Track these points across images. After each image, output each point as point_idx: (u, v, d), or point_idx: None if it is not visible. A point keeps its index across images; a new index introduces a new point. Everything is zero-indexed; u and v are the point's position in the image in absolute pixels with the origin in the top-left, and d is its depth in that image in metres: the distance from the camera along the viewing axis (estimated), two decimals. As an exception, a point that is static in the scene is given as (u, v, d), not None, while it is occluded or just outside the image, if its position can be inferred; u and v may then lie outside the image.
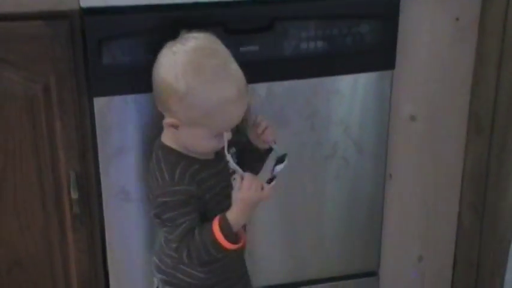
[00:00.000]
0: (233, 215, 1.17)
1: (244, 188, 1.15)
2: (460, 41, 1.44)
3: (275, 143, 1.25)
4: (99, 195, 1.36)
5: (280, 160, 1.21)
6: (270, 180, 1.18)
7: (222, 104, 1.13)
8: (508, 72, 1.41)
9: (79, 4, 1.22)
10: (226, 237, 1.16)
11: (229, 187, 1.21)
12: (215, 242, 1.16)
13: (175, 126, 1.17)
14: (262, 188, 1.16)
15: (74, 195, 1.31)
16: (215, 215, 1.19)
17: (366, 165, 1.48)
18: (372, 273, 1.58)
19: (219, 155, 1.23)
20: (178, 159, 1.19)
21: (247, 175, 1.16)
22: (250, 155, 1.27)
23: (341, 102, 1.42)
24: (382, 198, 1.52)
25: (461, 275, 1.63)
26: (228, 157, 1.17)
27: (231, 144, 1.23)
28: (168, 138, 1.21)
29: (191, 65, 1.13)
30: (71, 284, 1.41)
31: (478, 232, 1.56)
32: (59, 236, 1.36)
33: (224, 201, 1.21)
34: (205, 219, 1.20)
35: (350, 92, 1.42)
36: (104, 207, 1.36)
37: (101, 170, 1.33)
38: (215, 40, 1.17)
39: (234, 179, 1.21)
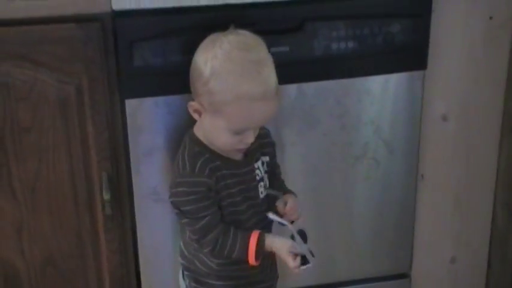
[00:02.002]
0: (268, 242, 1.21)
1: (286, 247, 1.21)
2: (493, 40, 1.42)
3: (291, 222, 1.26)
4: (131, 195, 1.37)
5: (303, 236, 1.25)
6: (303, 262, 1.23)
7: (242, 99, 1.13)
8: (543, 71, 1.39)
9: (111, 7, 1.23)
10: (257, 253, 1.20)
11: (248, 191, 1.22)
12: (244, 251, 1.20)
13: (198, 113, 1.19)
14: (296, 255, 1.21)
15: (106, 196, 1.33)
16: (226, 215, 1.22)
17: (397, 166, 1.47)
18: (404, 275, 1.56)
19: (248, 159, 1.23)
20: (203, 151, 1.21)
21: (297, 237, 1.22)
22: (273, 177, 1.31)
23: (372, 103, 1.41)
24: (414, 199, 1.51)
25: (495, 277, 1.61)
26: (272, 216, 1.24)
27: (263, 149, 1.25)
28: (198, 129, 1.23)
29: (223, 53, 1.14)
30: (103, 284, 1.42)
31: (512, 233, 1.54)
32: (91, 236, 1.38)
33: (239, 204, 1.22)
34: (225, 216, 1.22)
35: (381, 92, 1.41)
36: (136, 208, 1.37)
37: (132, 171, 1.34)
38: (259, 41, 1.18)
39: (261, 186, 1.24)
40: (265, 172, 1.27)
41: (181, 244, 1.32)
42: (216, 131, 1.18)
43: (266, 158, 1.27)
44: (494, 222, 1.58)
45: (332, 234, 1.49)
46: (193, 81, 1.17)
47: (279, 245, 1.21)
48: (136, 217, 1.38)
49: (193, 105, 1.19)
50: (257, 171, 1.24)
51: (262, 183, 1.25)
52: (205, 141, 1.21)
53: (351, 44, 1.33)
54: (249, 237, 1.20)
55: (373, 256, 1.52)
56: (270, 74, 1.15)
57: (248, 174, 1.23)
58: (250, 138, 1.18)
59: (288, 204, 1.25)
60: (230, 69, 1.13)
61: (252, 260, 1.20)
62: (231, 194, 1.22)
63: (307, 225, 1.48)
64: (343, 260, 1.51)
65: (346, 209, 1.48)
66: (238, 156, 1.23)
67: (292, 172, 1.40)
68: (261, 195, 1.26)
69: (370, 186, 1.47)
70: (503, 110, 1.49)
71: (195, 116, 1.20)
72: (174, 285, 1.40)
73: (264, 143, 1.27)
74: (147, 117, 1.31)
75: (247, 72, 1.13)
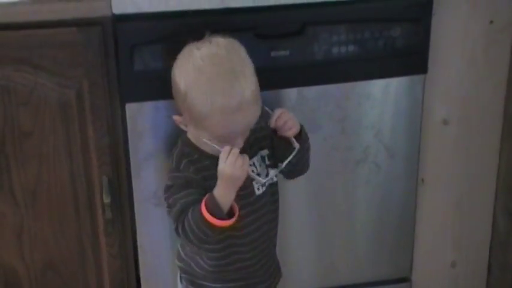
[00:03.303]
0: (219, 191, 1.17)
1: (228, 162, 1.15)
2: (494, 44, 1.42)
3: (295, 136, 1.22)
4: (131, 200, 1.37)
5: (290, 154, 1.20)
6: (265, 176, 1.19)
7: (217, 113, 1.13)
8: (544, 75, 1.39)
9: (111, 11, 1.23)
10: (212, 214, 1.15)
11: (242, 190, 1.21)
12: (203, 219, 1.16)
13: (184, 124, 1.20)
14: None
15: (106, 199, 1.33)
16: None
17: (397, 170, 1.47)
18: (404, 279, 1.56)
19: None
20: (192, 152, 1.22)
21: (234, 150, 1.16)
22: (279, 143, 1.25)
23: (372, 107, 1.41)
24: (414, 203, 1.51)
25: (496, 281, 1.61)
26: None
27: (259, 144, 1.23)
28: (190, 131, 1.24)
29: (195, 69, 1.15)
30: (103, 288, 1.43)
31: (513, 237, 1.54)
32: (92, 240, 1.38)
33: (237, 202, 1.20)
34: None
35: (381, 96, 1.41)
36: (136, 212, 1.37)
37: (132, 175, 1.34)
38: (234, 48, 1.17)
39: (257, 182, 1.22)
40: (268, 166, 1.26)
41: (179, 246, 1.32)
42: (201, 140, 1.19)
43: (265, 152, 1.26)
44: (494, 226, 1.58)
45: (333, 238, 1.49)
46: (174, 95, 1.19)
47: (221, 169, 1.15)
48: (137, 221, 1.38)
49: (177, 119, 1.21)
50: (252, 168, 1.23)
51: (255, 181, 1.24)
52: (196, 143, 1.22)
53: (351, 48, 1.33)
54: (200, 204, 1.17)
55: (374, 260, 1.52)
56: (245, 83, 1.14)
57: None
58: (238, 143, 1.18)
59: (275, 113, 1.21)
60: (202, 86, 1.14)
61: (212, 220, 1.15)
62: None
63: (306, 230, 1.48)
64: (344, 264, 1.51)
65: (346, 213, 1.48)
66: None
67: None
68: (258, 192, 1.24)
69: (371, 191, 1.47)
70: (503, 114, 1.49)
71: (182, 126, 1.22)
72: (175, 289, 1.40)
73: (260, 137, 1.26)
74: (147, 121, 1.31)
75: (219, 87, 1.13)
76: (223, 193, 1.16)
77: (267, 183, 1.25)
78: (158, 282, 1.43)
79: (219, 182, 1.17)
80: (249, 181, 1.23)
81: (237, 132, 1.17)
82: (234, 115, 1.14)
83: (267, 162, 1.27)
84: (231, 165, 1.14)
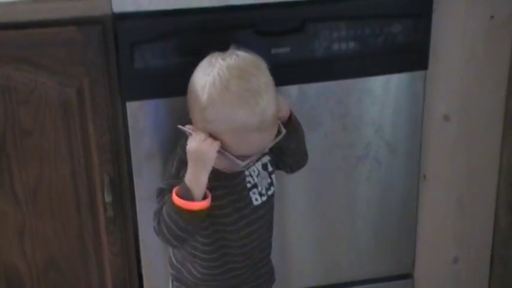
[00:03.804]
0: (188, 173, 1.13)
1: (196, 139, 1.12)
2: (494, 40, 1.42)
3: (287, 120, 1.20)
4: (133, 198, 1.37)
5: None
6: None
7: (238, 129, 1.11)
8: (545, 70, 1.39)
9: (111, 9, 1.23)
10: (182, 196, 1.12)
11: (239, 201, 1.20)
12: (173, 205, 1.13)
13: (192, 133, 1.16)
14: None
15: (108, 198, 1.33)
16: (220, 224, 1.20)
17: (399, 166, 1.47)
18: (406, 276, 1.56)
19: (238, 171, 1.20)
20: None
21: (198, 130, 1.13)
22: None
23: (373, 103, 1.41)
24: (416, 200, 1.51)
25: (498, 276, 1.61)
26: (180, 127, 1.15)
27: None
28: None
29: (221, 81, 1.11)
30: (105, 286, 1.42)
31: (514, 233, 1.54)
32: (93, 238, 1.38)
33: (227, 215, 1.20)
34: (211, 225, 1.20)
35: (382, 92, 1.40)
36: (137, 210, 1.37)
37: (134, 173, 1.34)
38: (259, 66, 1.14)
39: (254, 193, 1.21)
40: (271, 173, 1.25)
41: (170, 253, 1.30)
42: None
43: (266, 158, 1.24)
44: (496, 222, 1.57)
45: (334, 235, 1.49)
46: (191, 103, 1.15)
47: (188, 147, 1.12)
48: (138, 219, 1.38)
49: (183, 129, 1.16)
50: (248, 179, 1.21)
51: (256, 190, 1.22)
52: None
53: (352, 45, 1.33)
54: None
55: (376, 256, 1.52)
56: (269, 103, 1.11)
57: (238, 185, 1.21)
58: (252, 159, 1.15)
59: None
60: (227, 100, 1.10)
61: (182, 203, 1.11)
62: (219, 205, 1.19)
63: (308, 227, 1.48)
64: (346, 260, 1.51)
65: (348, 209, 1.48)
66: (227, 169, 1.19)
67: (294, 173, 1.40)
68: (256, 202, 1.22)
69: (372, 187, 1.47)
70: (504, 110, 1.49)
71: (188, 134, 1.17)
72: (177, 287, 1.40)
73: None
74: (148, 119, 1.31)
75: (244, 103, 1.10)
76: (193, 174, 1.13)
77: (250, 169, 1.20)
78: (160, 280, 1.42)
79: (188, 165, 1.13)
80: (246, 192, 1.21)
81: (250, 152, 1.14)
82: (253, 134, 1.11)
83: (270, 169, 1.25)
84: (199, 142, 1.12)
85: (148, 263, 1.41)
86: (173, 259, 1.30)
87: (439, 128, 1.47)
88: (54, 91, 1.27)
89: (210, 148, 1.11)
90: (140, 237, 1.39)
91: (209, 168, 1.13)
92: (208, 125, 1.13)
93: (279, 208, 1.38)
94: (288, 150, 1.24)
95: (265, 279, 1.31)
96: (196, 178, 1.13)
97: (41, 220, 1.35)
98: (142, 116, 1.30)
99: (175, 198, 1.13)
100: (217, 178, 1.18)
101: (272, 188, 1.26)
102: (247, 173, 1.22)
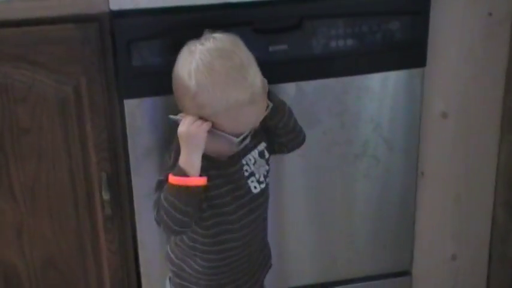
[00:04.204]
0: (181, 156, 1.16)
1: (186, 122, 1.14)
2: (492, 37, 1.42)
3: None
4: (130, 196, 1.37)
5: None
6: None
7: (232, 107, 1.12)
8: (543, 67, 1.39)
9: (109, 7, 1.23)
10: (177, 175, 1.14)
11: (238, 190, 1.21)
12: (171, 187, 1.15)
13: None
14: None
15: (106, 196, 1.33)
16: (220, 214, 1.20)
17: (397, 163, 1.47)
18: (405, 273, 1.56)
19: (234, 158, 1.22)
20: None
21: (188, 116, 1.15)
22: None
23: (371, 100, 1.41)
24: (414, 197, 1.51)
25: (496, 273, 1.61)
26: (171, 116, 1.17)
27: (255, 139, 1.22)
28: None
29: (204, 65, 1.13)
30: (103, 284, 1.42)
31: (512, 230, 1.54)
32: (91, 236, 1.38)
33: (227, 204, 1.21)
34: (211, 216, 1.21)
35: (380, 89, 1.40)
36: (135, 208, 1.37)
37: (131, 171, 1.34)
38: (237, 43, 1.16)
39: (252, 181, 1.22)
40: (268, 160, 1.25)
41: (169, 249, 1.31)
42: (209, 141, 1.16)
43: (262, 146, 1.26)
44: (494, 219, 1.58)
45: (332, 232, 1.49)
46: (179, 95, 1.16)
47: (179, 131, 1.14)
48: (136, 217, 1.38)
49: (179, 116, 1.17)
50: (245, 167, 1.23)
51: (254, 178, 1.24)
52: None
53: (349, 42, 1.33)
54: None
55: (374, 254, 1.52)
56: (255, 75, 1.14)
57: (236, 174, 1.22)
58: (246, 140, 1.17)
59: None
60: (216, 81, 1.12)
61: (174, 179, 1.14)
62: (219, 194, 1.21)
63: (306, 225, 1.48)
64: (344, 258, 1.51)
65: (346, 207, 1.48)
66: (224, 157, 1.21)
67: (292, 170, 1.40)
68: (255, 190, 1.24)
69: (370, 184, 1.47)
70: (502, 107, 1.49)
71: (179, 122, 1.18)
72: (175, 285, 1.39)
73: (254, 133, 1.23)
74: (146, 117, 1.30)
75: (233, 81, 1.12)
76: (186, 156, 1.15)
77: (246, 158, 1.22)
78: (158, 278, 1.42)
79: (181, 148, 1.16)
80: (244, 180, 1.22)
81: (246, 128, 1.16)
82: (246, 108, 1.13)
83: (266, 155, 1.26)
84: (188, 124, 1.14)
85: (146, 261, 1.41)
86: (172, 256, 1.30)
87: (437, 125, 1.47)
88: (51, 89, 1.27)
89: (199, 129, 1.14)
90: (138, 235, 1.39)
91: (201, 150, 1.15)
92: (202, 111, 1.14)
93: (277, 206, 1.39)
94: (277, 130, 1.25)
95: (261, 264, 1.32)
96: (189, 159, 1.15)
97: (38, 218, 1.35)
98: (140, 114, 1.30)
99: (171, 178, 1.15)
100: (215, 167, 1.20)
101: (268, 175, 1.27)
102: (244, 162, 1.23)
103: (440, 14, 1.37)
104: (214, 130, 1.15)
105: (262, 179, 1.25)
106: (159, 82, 1.26)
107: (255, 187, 1.24)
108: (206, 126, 1.14)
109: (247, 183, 1.23)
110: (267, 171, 1.26)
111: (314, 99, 1.37)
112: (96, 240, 1.38)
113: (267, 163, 1.26)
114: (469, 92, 1.46)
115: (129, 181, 1.35)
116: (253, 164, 1.24)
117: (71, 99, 1.28)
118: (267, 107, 1.19)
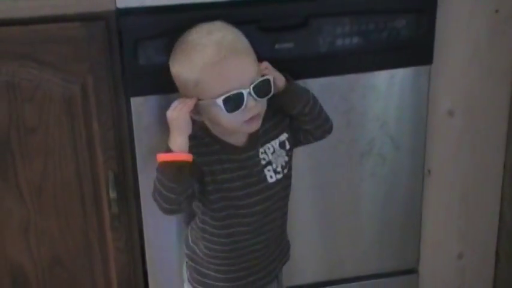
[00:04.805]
0: (169, 137, 1.19)
1: (171, 107, 1.19)
2: (499, 34, 1.41)
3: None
4: (137, 194, 1.37)
5: None
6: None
7: (205, 69, 1.14)
8: (550, 64, 1.38)
9: (115, 5, 1.23)
10: (168, 154, 1.18)
11: (250, 177, 1.22)
12: (158, 165, 1.18)
13: (197, 114, 1.20)
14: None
15: (112, 194, 1.33)
16: (230, 199, 1.22)
17: (403, 162, 1.46)
18: (412, 271, 1.56)
19: (251, 144, 1.23)
20: (203, 135, 1.22)
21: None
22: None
23: (377, 98, 1.41)
24: (421, 195, 1.50)
25: (503, 272, 1.60)
26: None
27: (276, 129, 1.24)
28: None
29: (178, 44, 1.18)
30: (110, 282, 1.43)
31: (520, 228, 1.53)
32: (98, 235, 1.38)
33: (238, 189, 1.22)
34: (219, 199, 1.22)
35: (386, 87, 1.40)
36: (142, 206, 1.37)
37: (138, 169, 1.34)
38: (220, 24, 1.19)
39: (269, 170, 1.23)
40: (289, 151, 1.26)
41: (188, 232, 1.32)
42: (215, 118, 1.18)
43: (284, 136, 1.26)
44: (501, 217, 1.57)
45: (339, 230, 1.49)
46: (178, 85, 1.20)
47: (168, 115, 1.19)
48: (143, 215, 1.38)
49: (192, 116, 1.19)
50: (263, 156, 1.23)
51: (271, 167, 1.24)
52: (209, 126, 1.23)
53: (355, 40, 1.33)
54: None
55: (381, 252, 1.52)
56: (226, 33, 1.16)
57: (250, 160, 1.23)
58: (247, 114, 1.16)
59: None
60: (183, 53, 1.17)
61: (162, 156, 1.18)
62: (230, 178, 1.22)
63: (312, 223, 1.48)
64: (351, 256, 1.51)
65: (352, 205, 1.48)
66: (239, 142, 1.23)
67: (298, 169, 1.40)
68: (271, 180, 1.24)
69: (377, 183, 1.47)
70: (509, 104, 1.48)
71: (196, 117, 1.21)
72: (181, 284, 1.39)
73: (275, 123, 1.25)
74: (152, 115, 1.31)
75: (197, 43, 1.16)
76: (171, 137, 1.18)
77: (265, 146, 1.23)
78: (165, 276, 1.43)
79: (171, 128, 1.19)
80: (259, 168, 1.23)
81: (236, 84, 1.14)
82: (222, 64, 1.13)
83: (287, 147, 1.26)
84: (171, 110, 1.18)
85: (153, 259, 1.41)
86: (189, 239, 1.31)
87: (443, 123, 1.47)
88: (58, 88, 1.27)
89: (180, 112, 1.17)
90: (145, 233, 1.39)
91: (184, 132, 1.18)
92: (187, 89, 1.18)
93: (284, 204, 1.38)
94: (302, 116, 1.26)
95: (277, 257, 1.32)
96: (174, 140, 1.18)
97: (45, 217, 1.35)
98: (146, 112, 1.30)
99: (158, 156, 1.18)
100: (226, 152, 1.21)
101: (289, 166, 1.27)
102: (262, 150, 1.23)
103: (447, 11, 1.37)
104: (203, 103, 1.16)
105: (279, 169, 1.25)
106: (166, 80, 1.26)
107: (271, 176, 1.24)
108: (187, 107, 1.17)
109: (263, 172, 1.23)
110: (286, 162, 1.26)
111: (320, 97, 1.37)
112: (103, 238, 1.38)
113: (287, 154, 1.27)
114: (476, 89, 1.45)
115: (136, 179, 1.35)
116: (272, 154, 1.25)
117: (78, 98, 1.29)
118: (267, 79, 1.18)
